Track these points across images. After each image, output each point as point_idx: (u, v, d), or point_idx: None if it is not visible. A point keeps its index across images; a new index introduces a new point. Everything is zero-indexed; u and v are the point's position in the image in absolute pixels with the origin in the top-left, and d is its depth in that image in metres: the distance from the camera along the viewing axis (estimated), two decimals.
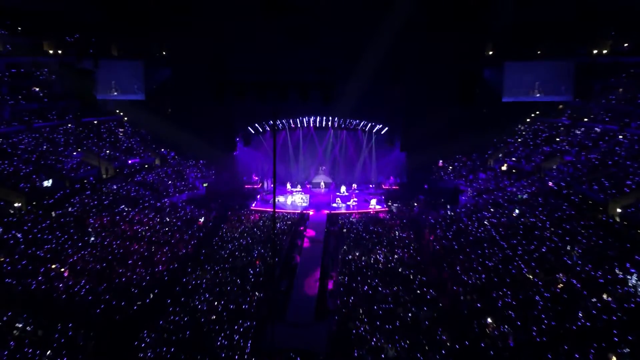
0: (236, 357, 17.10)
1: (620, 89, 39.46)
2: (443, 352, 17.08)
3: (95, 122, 43.65)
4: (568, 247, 23.23)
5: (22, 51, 40.55)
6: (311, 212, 37.29)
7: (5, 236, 23.02)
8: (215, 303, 20.88)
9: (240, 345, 17.79)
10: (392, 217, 35.68)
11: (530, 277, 21.60)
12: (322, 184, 44.70)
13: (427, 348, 17.19)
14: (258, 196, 41.60)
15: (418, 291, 21.95)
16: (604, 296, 18.55)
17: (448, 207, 36.41)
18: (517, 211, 30.25)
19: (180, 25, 38.29)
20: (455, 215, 33.27)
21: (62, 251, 23.32)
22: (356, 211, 37.97)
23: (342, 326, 19.48)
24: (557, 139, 40.14)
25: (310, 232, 32.63)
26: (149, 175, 39.97)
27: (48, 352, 15.93)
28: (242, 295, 21.69)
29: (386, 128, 43.12)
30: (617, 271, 19.97)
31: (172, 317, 19.71)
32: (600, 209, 27.43)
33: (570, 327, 17.13)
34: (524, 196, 32.93)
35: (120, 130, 45.25)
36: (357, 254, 26.89)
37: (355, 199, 40.47)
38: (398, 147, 44.60)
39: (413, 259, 26.41)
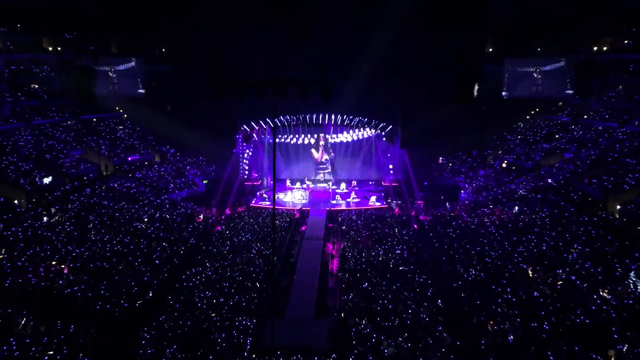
0: (237, 357, 17.11)
1: (620, 86, 39.45)
2: (443, 349, 17.10)
3: (95, 119, 43.67)
4: (567, 245, 23.28)
5: (22, 48, 40.55)
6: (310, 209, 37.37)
7: (5, 233, 23.05)
8: (215, 300, 20.91)
9: (240, 342, 17.82)
10: (392, 213, 35.78)
11: (530, 273, 21.65)
12: (321, 176, 44.78)
13: (426, 345, 17.23)
14: (258, 193, 41.61)
15: (418, 288, 22.00)
16: (603, 293, 18.59)
17: (447, 203, 36.46)
18: (516, 208, 30.30)
19: (179, 22, 38.24)
20: (454, 212, 33.33)
21: (62, 248, 23.33)
22: (356, 208, 38.03)
23: (342, 323, 19.52)
24: (557, 136, 40.17)
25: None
26: (148, 172, 40.01)
27: (48, 349, 15.95)
28: (241, 292, 21.72)
29: (386, 125, 43.11)
30: (616, 268, 20.02)
31: (172, 314, 19.76)
32: (600, 205, 27.47)
33: (569, 324, 17.16)
34: (522, 192, 33.00)
35: (120, 127, 45.25)
36: (356, 250, 26.94)
37: (355, 196, 40.49)
38: (398, 144, 44.58)
39: (413, 255, 26.46)
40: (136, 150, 42.92)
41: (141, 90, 42.43)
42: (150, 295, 21.85)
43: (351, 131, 45.05)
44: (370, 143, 45.46)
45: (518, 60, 40.48)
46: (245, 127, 42.64)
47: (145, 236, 27.64)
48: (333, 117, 42.85)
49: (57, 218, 26.96)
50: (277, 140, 44.52)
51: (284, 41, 33.61)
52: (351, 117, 42.75)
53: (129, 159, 41.07)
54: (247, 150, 45.48)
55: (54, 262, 21.83)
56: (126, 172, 38.51)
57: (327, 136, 45.39)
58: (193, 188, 40.85)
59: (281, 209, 37.35)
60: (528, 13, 35.69)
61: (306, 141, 45.21)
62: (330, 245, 29.81)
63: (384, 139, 44.36)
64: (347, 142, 45.55)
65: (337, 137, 45.44)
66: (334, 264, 26.80)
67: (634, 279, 18.94)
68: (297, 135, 45.00)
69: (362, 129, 44.42)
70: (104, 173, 36.90)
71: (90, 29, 41.24)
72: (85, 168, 35.59)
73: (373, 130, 44.27)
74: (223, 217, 35.16)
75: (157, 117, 43.84)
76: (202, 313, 19.79)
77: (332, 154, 46.05)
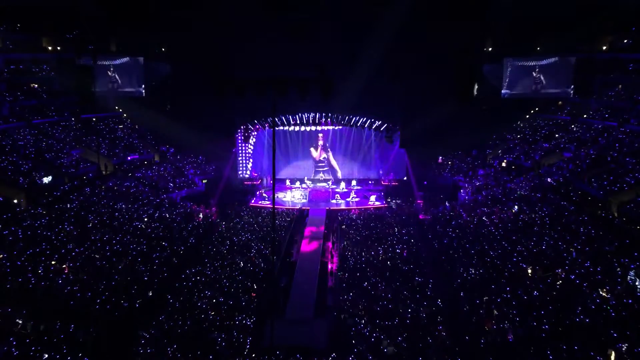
0: (237, 357, 17.11)
1: (620, 85, 39.43)
2: (442, 348, 17.12)
3: (95, 118, 43.62)
4: (567, 244, 23.27)
5: (21, 47, 40.52)
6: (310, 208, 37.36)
7: (5, 232, 23.04)
8: (215, 300, 20.92)
9: (240, 341, 17.83)
10: (392, 213, 35.79)
11: (529, 273, 21.66)
12: (321, 175, 44.76)
13: (426, 344, 17.24)
14: (257, 192, 41.60)
15: (417, 288, 22.01)
16: (603, 292, 18.60)
17: (447, 203, 36.47)
18: (516, 207, 30.28)
19: (179, 21, 38.16)
20: (454, 211, 33.32)
21: (62, 247, 23.32)
22: (355, 207, 38.03)
23: (342, 322, 19.52)
24: (557, 135, 40.16)
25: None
26: (148, 172, 39.97)
27: (48, 349, 15.96)
28: (241, 292, 21.72)
29: (385, 124, 43.10)
30: (616, 267, 20.02)
31: (172, 314, 19.76)
32: (600, 205, 27.47)
33: (569, 323, 17.17)
34: (522, 191, 32.99)
35: (120, 126, 45.21)
36: (356, 249, 26.93)
37: (355, 195, 40.44)
38: (397, 144, 44.61)
39: (413, 254, 26.46)
40: (136, 149, 42.89)
41: (141, 90, 42.37)
42: (150, 295, 21.86)
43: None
44: (370, 143, 45.43)
45: (518, 59, 40.42)
46: (245, 126, 42.58)
47: (145, 236, 27.64)
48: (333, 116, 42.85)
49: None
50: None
51: (284, 40, 33.58)
52: (351, 116, 42.74)
53: (129, 158, 41.03)
54: (250, 147, 45.32)
55: (53, 262, 21.82)
56: (126, 171, 38.48)
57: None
58: (192, 187, 40.84)
59: (281, 208, 37.35)
60: (528, 12, 35.62)
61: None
62: (329, 245, 29.82)
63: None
64: (346, 139, 45.43)
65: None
66: (334, 263, 26.80)
67: (633, 278, 18.95)
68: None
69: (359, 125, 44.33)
70: (104, 172, 36.83)
71: (90, 29, 41.17)
72: (84, 167, 35.55)
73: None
74: (222, 216, 35.16)
75: (156, 116, 43.81)
76: (202, 313, 19.79)
77: (330, 152, 46.05)
